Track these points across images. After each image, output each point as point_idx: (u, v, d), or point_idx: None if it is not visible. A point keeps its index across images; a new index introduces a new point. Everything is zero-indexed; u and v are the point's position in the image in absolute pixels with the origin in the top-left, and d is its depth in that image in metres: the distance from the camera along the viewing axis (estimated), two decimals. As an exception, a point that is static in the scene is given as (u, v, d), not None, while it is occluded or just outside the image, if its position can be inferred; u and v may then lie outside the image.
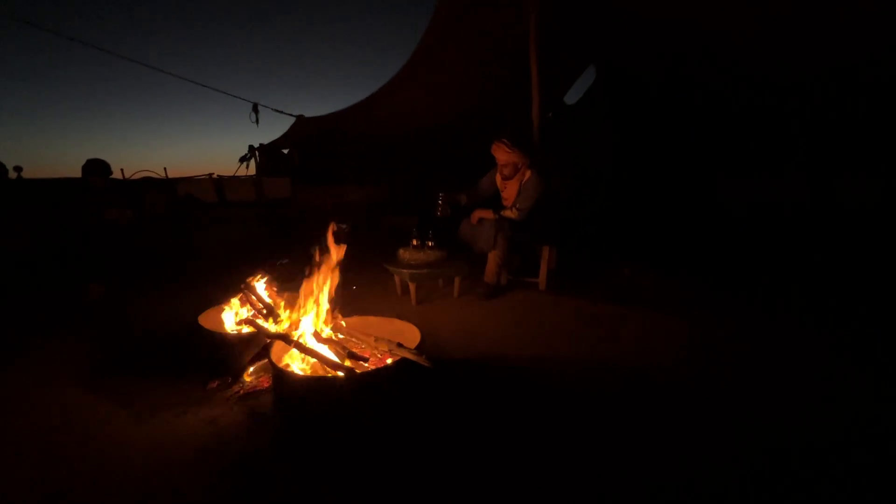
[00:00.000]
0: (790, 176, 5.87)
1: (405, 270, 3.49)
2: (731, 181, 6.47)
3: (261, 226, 6.63)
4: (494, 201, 3.84)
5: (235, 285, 2.55)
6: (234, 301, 2.56)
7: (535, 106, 4.18)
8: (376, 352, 2.01)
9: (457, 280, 3.67)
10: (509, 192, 3.73)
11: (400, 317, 2.34)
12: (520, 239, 3.66)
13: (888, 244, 4.54)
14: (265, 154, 7.46)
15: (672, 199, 6.87)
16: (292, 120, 7.23)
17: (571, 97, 7.90)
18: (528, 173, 3.62)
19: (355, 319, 2.28)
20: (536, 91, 4.16)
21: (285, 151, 7.70)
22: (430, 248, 3.60)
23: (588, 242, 5.44)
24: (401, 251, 3.64)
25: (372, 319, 2.34)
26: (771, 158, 6.18)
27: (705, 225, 6.05)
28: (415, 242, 3.63)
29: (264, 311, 2.37)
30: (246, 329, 2.41)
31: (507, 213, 3.63)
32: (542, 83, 4.16)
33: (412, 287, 3.51)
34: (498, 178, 3.80)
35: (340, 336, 2.09)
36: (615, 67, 7.14)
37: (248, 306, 2.46)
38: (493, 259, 3.61)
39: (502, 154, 3.60)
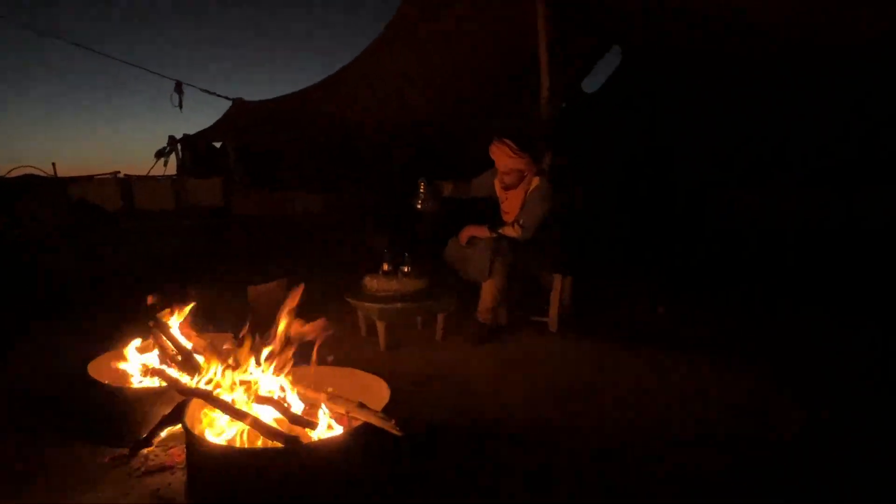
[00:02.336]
0: (817, 192, 6.22)
1: (372, 305, 3.47)
2: (751, 197, 6.77)
3: (184, 241, 6.54)
4: (490, 216, 3.84)
5: (140, 319, 2.48)
6: (135, 344, 2.50)
7: (544, 94, 4.24)
8: (330, 414, 1.95)
9: (440, 318, 3.65)
10: (511, 204, 3.74)
11: (364, 367, 2.32)
12: (524, 265, 3.66)
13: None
14: (190, 147, 7.40)
15: (694, 217, 7.03)
16: (228, 104, 7.22)
17: (591, 84, 8.05)
18: (535, 181, 3.64)
19: (304, 370, 2.22)
20: (546, 76, 4.23)
21: (217, 145, 7.67)
22: (406, 274, 3.57)
23: (611, 269, 5.46)
24: (367, 279, 3.61)
25: (326, 370, 2.29)
26: (792, 171, 6.52)
27: (735, 247, 6.17)
28: (385, 267, 3.61)
29: (179, 358, 2.30)
30: (154, 381, 2.35)
31: (508, 231, 3.63)
32: (554, 66, 4.23)
33: (381, 326, 3.48)
34: (497, 187, 3.81)
35: (282, 394, 2.03)
36: (645, 50, 7.30)
37: (158, 351, 2.40)
38: (488, 291, 3.59)
39: (505, 158, 3.61)
